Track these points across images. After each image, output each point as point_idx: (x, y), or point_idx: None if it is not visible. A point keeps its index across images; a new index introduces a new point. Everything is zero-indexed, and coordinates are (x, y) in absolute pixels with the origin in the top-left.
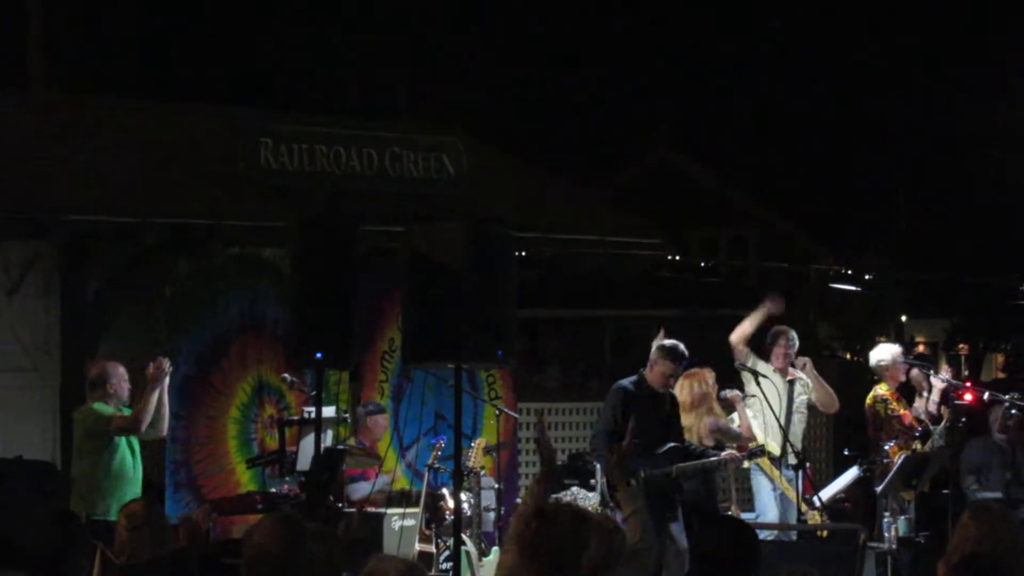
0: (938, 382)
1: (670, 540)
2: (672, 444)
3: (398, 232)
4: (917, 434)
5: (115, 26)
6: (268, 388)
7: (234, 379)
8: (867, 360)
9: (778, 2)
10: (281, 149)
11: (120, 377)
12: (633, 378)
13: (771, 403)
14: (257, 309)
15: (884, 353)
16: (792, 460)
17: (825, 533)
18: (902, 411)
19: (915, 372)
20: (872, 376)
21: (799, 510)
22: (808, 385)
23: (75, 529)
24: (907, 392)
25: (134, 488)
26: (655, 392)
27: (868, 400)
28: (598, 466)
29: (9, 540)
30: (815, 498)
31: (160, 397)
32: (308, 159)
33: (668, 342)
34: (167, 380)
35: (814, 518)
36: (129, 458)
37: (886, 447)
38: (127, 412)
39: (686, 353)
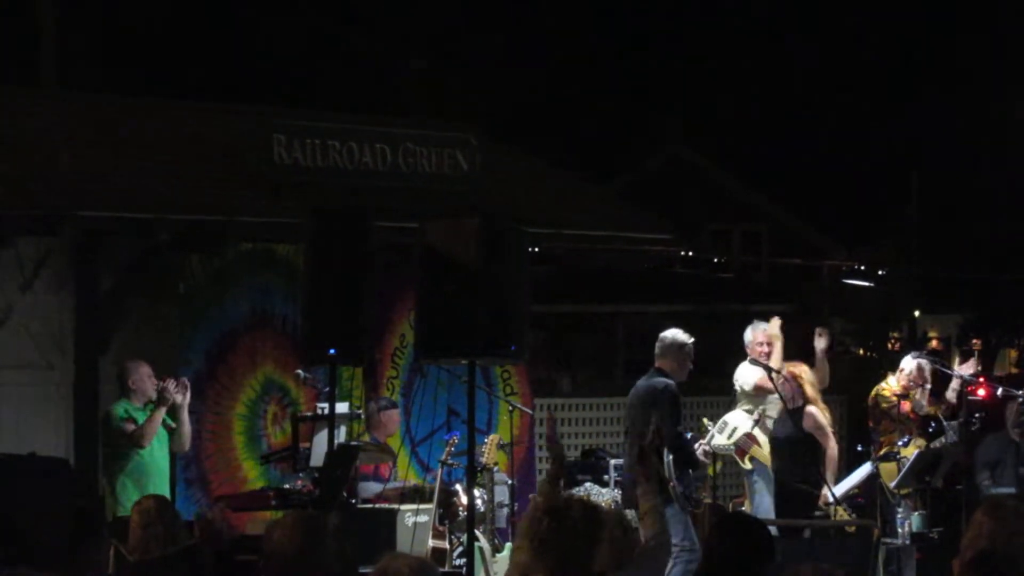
0: (961, 372)
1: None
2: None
3: (411, 228)
4: (906, 439)
5: (127, 24)
6: (275, 385)
7: (241, 375)
8: (880, 356)
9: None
10: (294, 145)
11: (141, 375)
12: (665, 376)
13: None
14: (268, 305)
15: (907, 363)
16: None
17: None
18: (902, 402)
19: (921, 362)
20: (883, 372)
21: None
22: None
23: (88, 525)
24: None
25: (159, 486)
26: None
27: (872, 393)
28: (612, 463)
29: (23, 536)
30: (829, 494)
31: (179, 415)
32: (321, 155)
33: (681, 335)
34: (183, 399)
35: (841, 515)
36: (148, 458)
37: (900, 443)
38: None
39: (689, 335)
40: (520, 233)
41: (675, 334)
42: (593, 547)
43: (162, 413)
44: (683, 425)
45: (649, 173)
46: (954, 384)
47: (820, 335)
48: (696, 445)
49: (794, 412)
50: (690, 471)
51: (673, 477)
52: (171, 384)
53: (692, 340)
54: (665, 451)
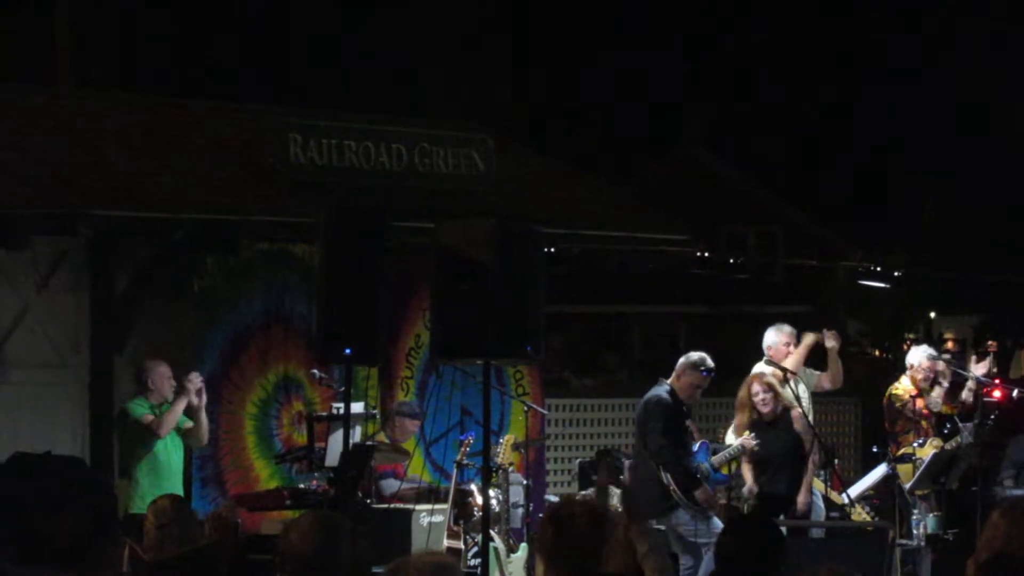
0: (975, 372)
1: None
2: (701, 441)
3: (427, 228)
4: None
5: (143, 23)
6: (294, 384)
7: (252, 375)
8: (896, 357)
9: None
10: (310, 144)
11: (159, 375)
12: (667, 388)
13: (802, 403)
14: (284, 304)
15: (912, 356)
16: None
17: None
18: (916, 399)
19: (939, 364)
20: (898, 373)
21: (840, 506)
22: (810, 374)
23: (104, 524)
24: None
25: (173, 484)
26: (681, 403)
27: (887, 393)
28: (627, 463)
29: (39, 535)
30: (844, 495)
31: (195, 415)
32: (337, 154)
33: (695, 356)
34: (199, 400)
35: (859, 514)
36: (163, 455)
37: (916, 444)
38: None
39: (713, 365)
40: (536, 233)
41: (695, 356)
42: (600, 550)
43: (183, 404)
44: (691, 432)
45: (664, 174)
46: (970, 384)
47: (829, 336)
48: (721, 455)
49: (777, 421)
50: (695, 494)
51: (672, 483)
52: (195, 377)
53: (709, 369)
54: (660, 468)
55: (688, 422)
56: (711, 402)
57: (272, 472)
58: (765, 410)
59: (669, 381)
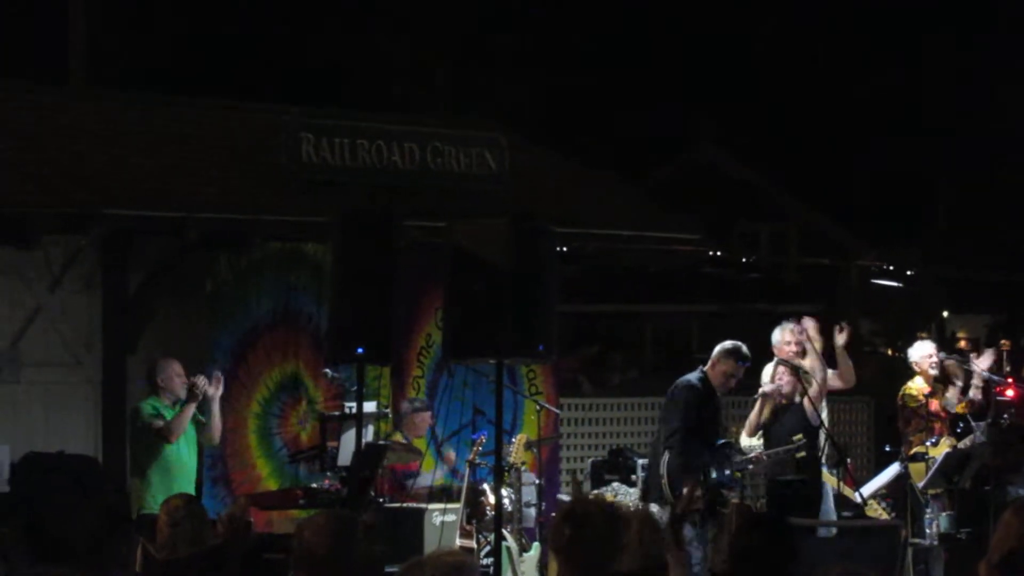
0: (978, 367)
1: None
2: (724, 440)
3: (439, 227)
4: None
5: (157, 22)
6: (299, 383)
7: (258, 373)
8: (908, 356)
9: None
10: (323, 144)
11: (170, 373)
12: (699, 375)
13: (812, 401)
14: (292, 304)
15: (913, 352)
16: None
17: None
18: (930, 400)
19: (949, 362)
20: (909, 371)
21: (855, 505)
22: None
23: (117, 523)
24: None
25: (185, 484)
26: (714, 391)
27: (900, 393)
28: (639, 462)
29: (52, 533)
30: (856, 494)
31: (210, 408)
32: (350, 154)
33: (730, 343)
34: (216, 391)
35: (874, 510)
36: (175, 455)
37: (929, 443)
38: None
39: (749, 354)
40: (549, 233)
41: (731, 344)
42: (615, 549)
43: (191, 409)
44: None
45: (677, 173)
46: (976, 381)
47: (840, 331)
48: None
49: (797, 407)
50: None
51: (666, 475)
52: (201, 380)
53: (744, 358)
54: (662, 450)
55: None
56: (724, 401)
57: (271, 471)
58: (782, 392)
59: (704, 368)
